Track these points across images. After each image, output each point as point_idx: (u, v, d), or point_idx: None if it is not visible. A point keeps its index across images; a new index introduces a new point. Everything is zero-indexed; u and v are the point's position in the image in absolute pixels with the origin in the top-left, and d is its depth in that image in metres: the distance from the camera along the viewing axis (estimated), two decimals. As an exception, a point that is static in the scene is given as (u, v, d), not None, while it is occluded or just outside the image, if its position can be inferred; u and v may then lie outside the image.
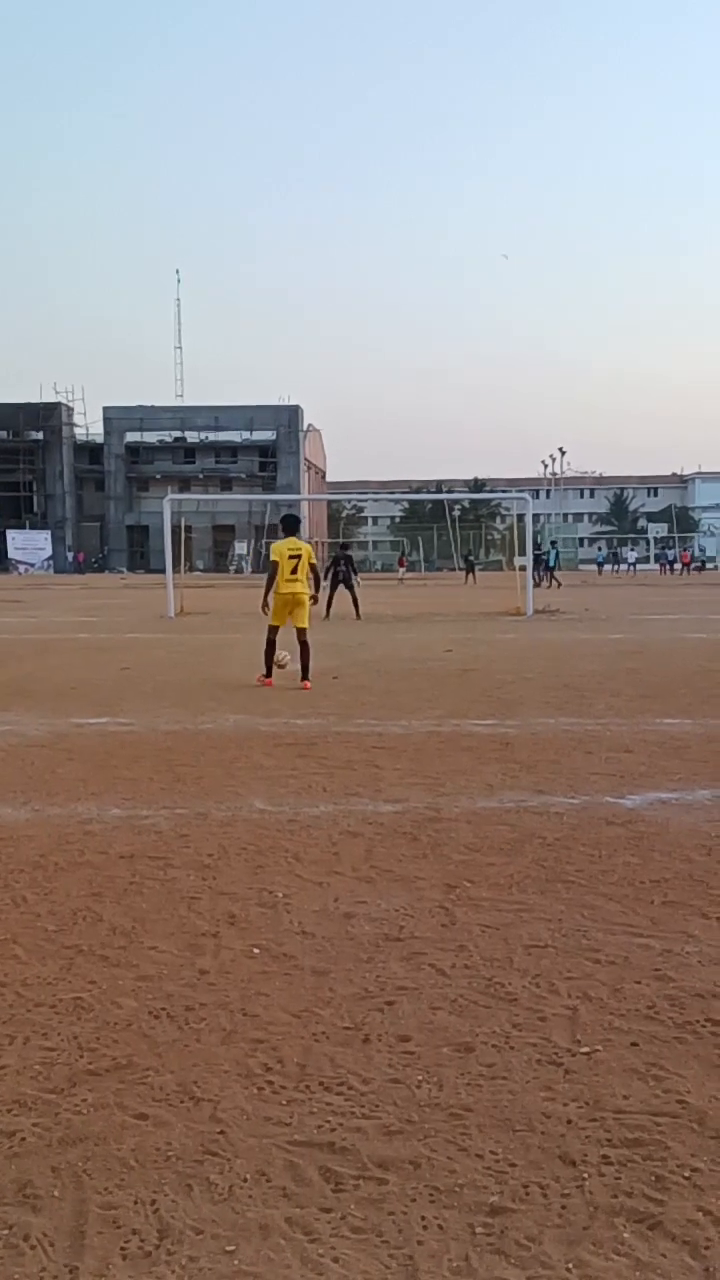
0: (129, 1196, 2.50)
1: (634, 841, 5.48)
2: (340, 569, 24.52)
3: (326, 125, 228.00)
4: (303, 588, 12.08)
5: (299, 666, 12.02)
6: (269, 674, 12.09)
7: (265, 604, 12.29)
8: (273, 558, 12.25)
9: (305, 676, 11.82)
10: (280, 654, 12.73)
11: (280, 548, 12.20)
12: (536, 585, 42.08)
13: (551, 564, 44.23)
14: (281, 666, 12.66)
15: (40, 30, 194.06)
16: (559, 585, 41.27)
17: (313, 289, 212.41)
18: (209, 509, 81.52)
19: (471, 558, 56.93)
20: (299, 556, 12.04)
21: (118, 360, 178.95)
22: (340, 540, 51.01)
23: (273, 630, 12.20)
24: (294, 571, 11.99)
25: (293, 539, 12.39)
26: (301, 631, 12.08)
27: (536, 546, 51.43)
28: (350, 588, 24.08)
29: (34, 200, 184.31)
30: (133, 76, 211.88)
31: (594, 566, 72.88)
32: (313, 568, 12.32)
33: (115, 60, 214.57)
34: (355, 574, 25.72)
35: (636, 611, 26.71)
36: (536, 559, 45.49)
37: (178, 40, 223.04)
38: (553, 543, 55.63)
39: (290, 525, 12.76)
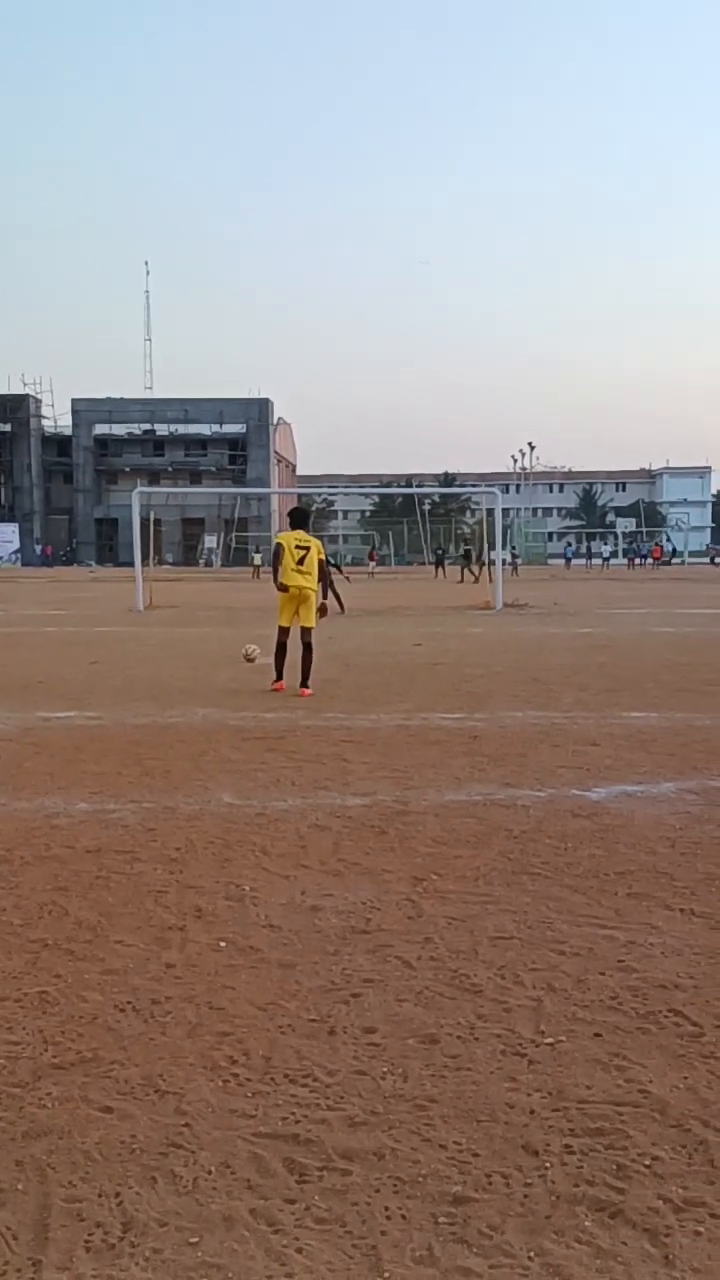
0: (93, 1189, 2.50)
1: (599, 834, 5.51)
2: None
3: (299, 118, 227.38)
4: (312, 582, 11.26)
5: (270, 660, 11.54)
6: (279, 677, 11.27)
7: (280, 585, 11.29)
8: (278, 540, 11.53)
9: (305, 683, 10.87)
10: (249, 647, 12.71)
11: (288, 537, 11.44)
12: (476, 580, 42.38)
13: (479, 559, 44.55)
14: (250, 660, 12.63)
15: (9, 18, 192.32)
16: (476, 579, 41.30)
17: (284, 282, 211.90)
18: (178, 502, 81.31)
19: (441, 552, 57.12)
20: (308, 548, 11.27)
21: (86, 352, 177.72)
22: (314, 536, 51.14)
23: (283, 632, 11.39)
24: (301, 563, 11.18)
25: (302, 532, 11.54)
26: (306, 632, 11.23)
27: (466, 542, 51.65)
28: (329, 583, 23.98)
29: (2, 190, 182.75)
30: (101, 64, 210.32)
31: (561, 561, 73.12)
32: (321, 565, 11.51)
33: (83, 47, 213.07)
34: (340, 569, 25.71)
35: (605, 606, 26.85)
36: (466, 554, 45.89)
37: (150, 29, 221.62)
38: (477, 538, 55.91)
39: (299, 518, 11.95)
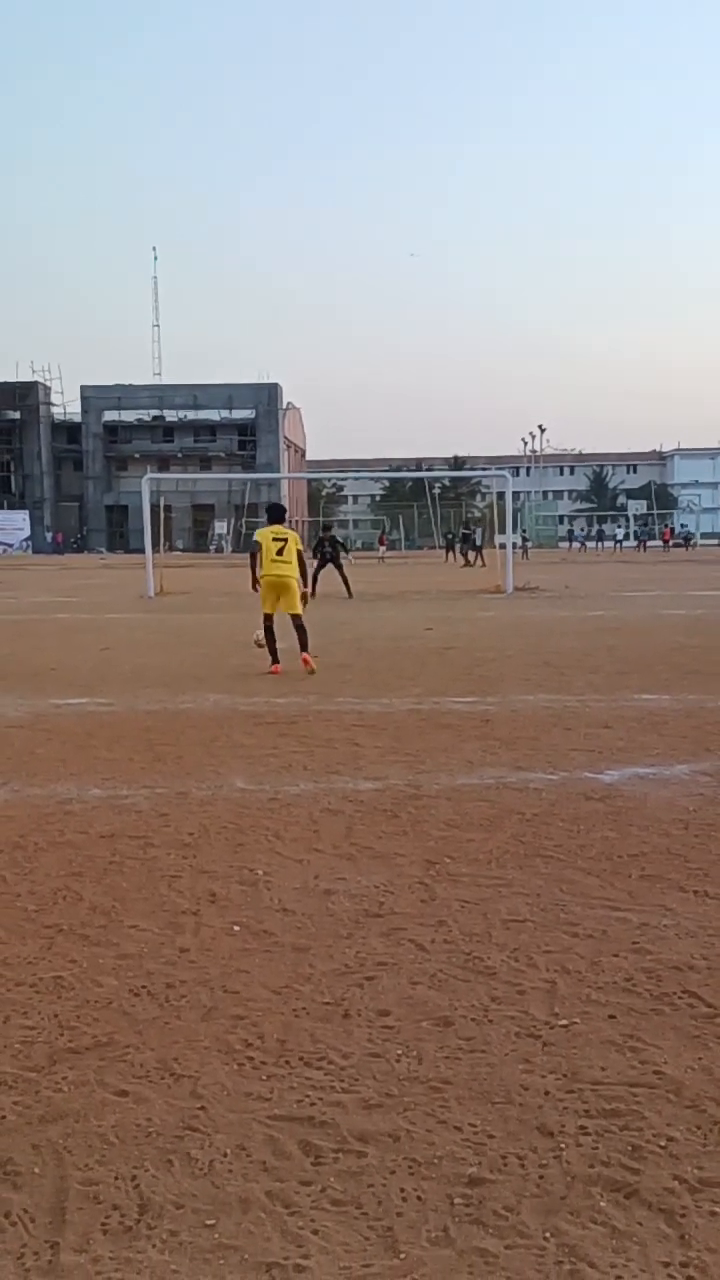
0: (109, 1172, 2.51)
1: (612, 816, 5.51)
2: (325, 549, 24.48)
3: (307, 102, 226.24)
4: (290, 570, 11.66)
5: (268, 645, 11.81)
6: (275, 660, 11.57)
7: (255, 584, 11.97)
8: (256, 538, 12.09)
9: (304, 648, 11.44)
10: (259, 632, 12.72)
11: (265, 532, 11.98)
12: (468, 565, 42.23)
13: (479, 543, 44.39)
14: (261, 645, 12.65)
15: (20, 7, 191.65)
16: (484, 564, 41.16)
17: (291, 266, 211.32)
18: (188, 488, 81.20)
19: (451, 536, 56.99)
20: (285, 540, 11.76)
21: (95, 339, 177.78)
22: (323, 521, 51.10)
23: (268, 619, 11.80)
24: (280, 554, 11.64)
25: (279, 526, 12.13)
26: (295, 618, 11.73)
27: (465, 526, 51.44)
28: (339, 567, 24.04)
29: (9, 178, 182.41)
30: (114, 51, 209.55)
31: (568, 544, 72.99)
32: (300, 555, 11.90)
33: (96, 35, 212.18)
34: (348, 553, 25.72)
35: (616, 589, 26.78)
36: (465, 538, 45.71)
37: (161, 18, 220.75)
38: (478, 522, 55.74)
39: (275, 514, 12.60)
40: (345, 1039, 3.16)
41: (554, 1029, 3.20)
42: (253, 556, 12.00)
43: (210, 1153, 2.58)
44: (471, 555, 43.28)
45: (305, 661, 11.31)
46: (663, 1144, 2.60)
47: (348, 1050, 3.09)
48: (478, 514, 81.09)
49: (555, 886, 4.45)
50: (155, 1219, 2.34)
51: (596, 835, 5.18)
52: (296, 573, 11.75)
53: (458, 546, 47.61)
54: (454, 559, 47.79)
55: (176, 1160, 2.55)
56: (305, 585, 12.42)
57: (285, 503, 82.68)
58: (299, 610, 11.75)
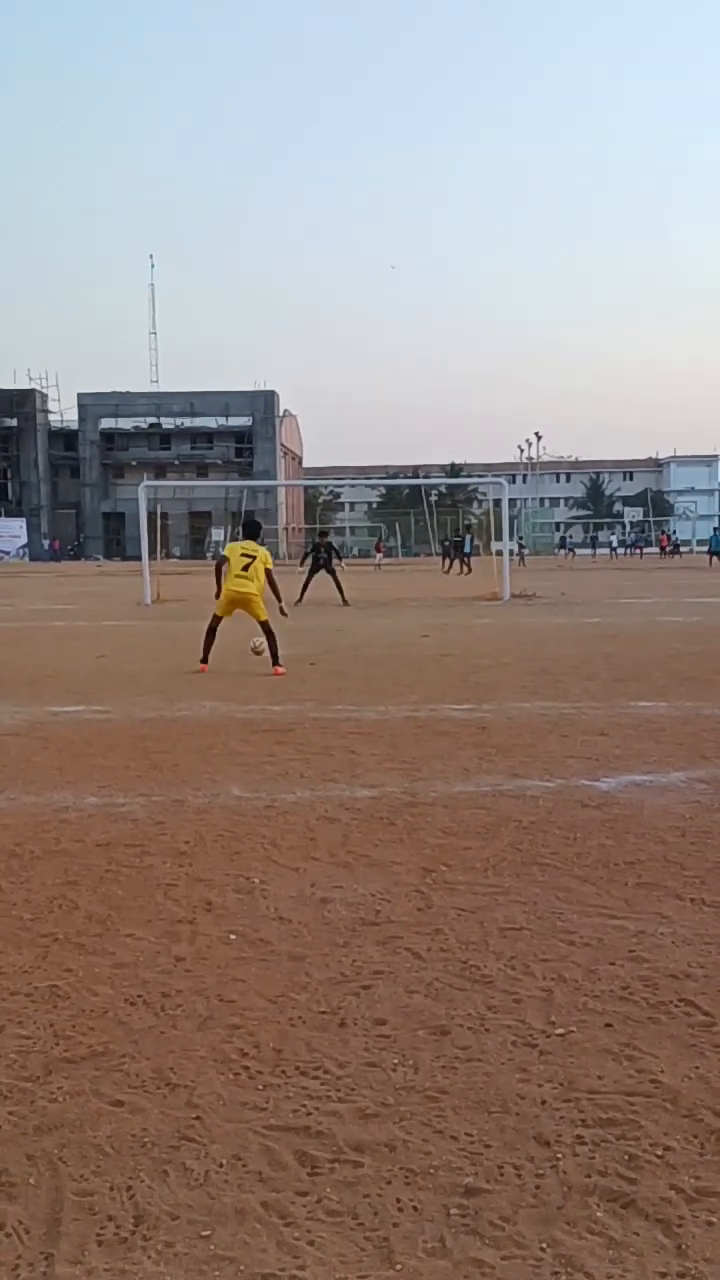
0: (105, 1183, 2.50)
1: (609, 824, 5.51)
2: (320, 555, 24.51)
3: (303, 110, 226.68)
4: (253, 589, 11.92)
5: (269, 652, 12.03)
6: (205, 660, 12.10)
7: (219, 594, 12.32)
8: (224, 552, 12.39)
9: (276, 662, 11.75)
10: (256, 640, 12.81)
11: (234, 547, 12.34)
12: (447, 573, 42.16)
13: (468, 551, 44.30)
14: (258, 653, 12.70)
15: (16, 12, 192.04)
16: (469, 571, 41.13)
17: (288, 274, 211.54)
18: (185, 495, 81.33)
19: (448, 543, 57.00)
20: (253, 557, 12.00)
21: (92, 346, 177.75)
22: (318, 527, 51.13)
23: (215, 620, 12.26)
24: (245, 569, 11.93)
25: (250, 542, 12.41)
26: (263, 624, 11.96)
27: (456, 533, 51.30)
28: (331, 573, 24.05)
29: (7, 184, 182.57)
30: (110, 57, 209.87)
31: (561, 551, 73.04)
32: (269, 574, 12.09)
33: (94, 40, 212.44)
34: (340, 559, 25.75)
35: (612, 596, 26.80)
36: (455, 544, 45.60)
37: (157, 22, 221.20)
38: (468, 529, 55.61)
39: (249, 530, 12.95)
40: (341, 1048, 3.15)
41: (551, 1038, 3.19)
42: (218, 568, 12.40)
43: (206, 1163, 2.58)
44: (460, 563, 43.15)
45: (276, 673, 11.57)
46: (659, 1153, 2.59)
47: (344, 1059, 3.08)
48: (474, 520, 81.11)
49: (552, 894, 4.45)
50: (151, 1230, 2.33)
51: (593, 843, 5.18)
52: (258, 591, 11.98)
53: (449, 555, 47.43)
54: (454, 567, 47.46)
55: (172, 1171, 2.55)
56: (280, 599, 12.65)
57: (282, 510, 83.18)
58: (264, 616, 11.99)
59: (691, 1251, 2.24)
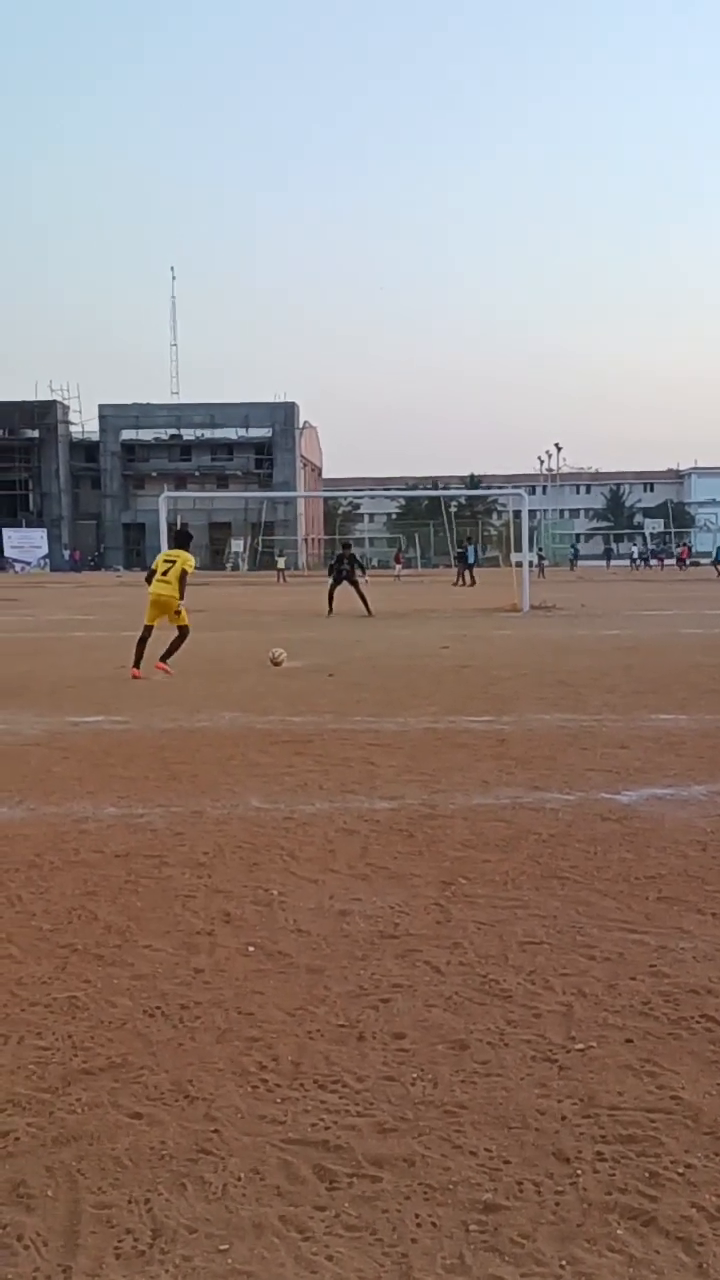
0: (123, 1196, 2.50)
1: (629, 838, 5.48)
2: (344, 567, 24.54)
3: (323, 120, 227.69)
4: (169, 590, 12.97)
5: (280, 659, 13.13)
6: (137, 665, 12.67)
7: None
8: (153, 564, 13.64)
9: (165, 658, 12.84)
10: (276, 650, 13.08)
11: (161, 555, 13.71)
12: (454, 584, 41.89)
13: (471, 561, 44.06)
14: (277, 663, 12.95)
15: (35, 24, 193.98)
16: (473, 583, 40.95)
17: (307, 285, 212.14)
18: (205, 506, 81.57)
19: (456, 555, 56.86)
20: (173, 562, 13.15)
21: (113, 358, 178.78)
22: (340, 539, 51.12)
23: (146, 630, 13.11)
24: (164, 574, 13.09)
25: (177, 550, 13.54)
26: (181, 628, 13.19)
27: (458, 544, 50.96)
28: (355, 584, 24.07)
29: (29, 197, 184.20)
30: (129, 71, 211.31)
31: (570, 562, 72.85)
32: (183, 577, 13.07)
33: (112, 54, 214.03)
34: (364, 571, 25.80)
35: (632, 608, 26.71)
36: (458, 556, 45.21)
37: (174, 35, 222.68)
38: (469, 539, 55.41)
39: (178, 539, 14.08)
40: (360, 1062, 3.14)
41: (570, 1053, 3.17)
42: (150, 573, 13.49)
43: (224, 1176, 2.57)
44: (467, 575, 42.81)
45: (159, 666, 12.69)
46: (680, 1171, 2.57)
47: (362, 1073, 3.07)
48: (493, 532, 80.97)
49: (572, 908, 4.43)
50: (168, 1243, 2.32)
51: (613, 857, 5.16)
52: (176, 592, 13.00)
53: (456, 566, 46.81)
54: (461, 579, 46.50)
55: (190, 1184, 2.54)
56: (180, 599, 13.25)
57: (302, 521, 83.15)
58: (184, 623, 13.24)
59: (713, 1271, 2.22)
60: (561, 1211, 2.42)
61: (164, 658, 12.81)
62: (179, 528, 15.18)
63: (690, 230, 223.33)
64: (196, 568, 14.41)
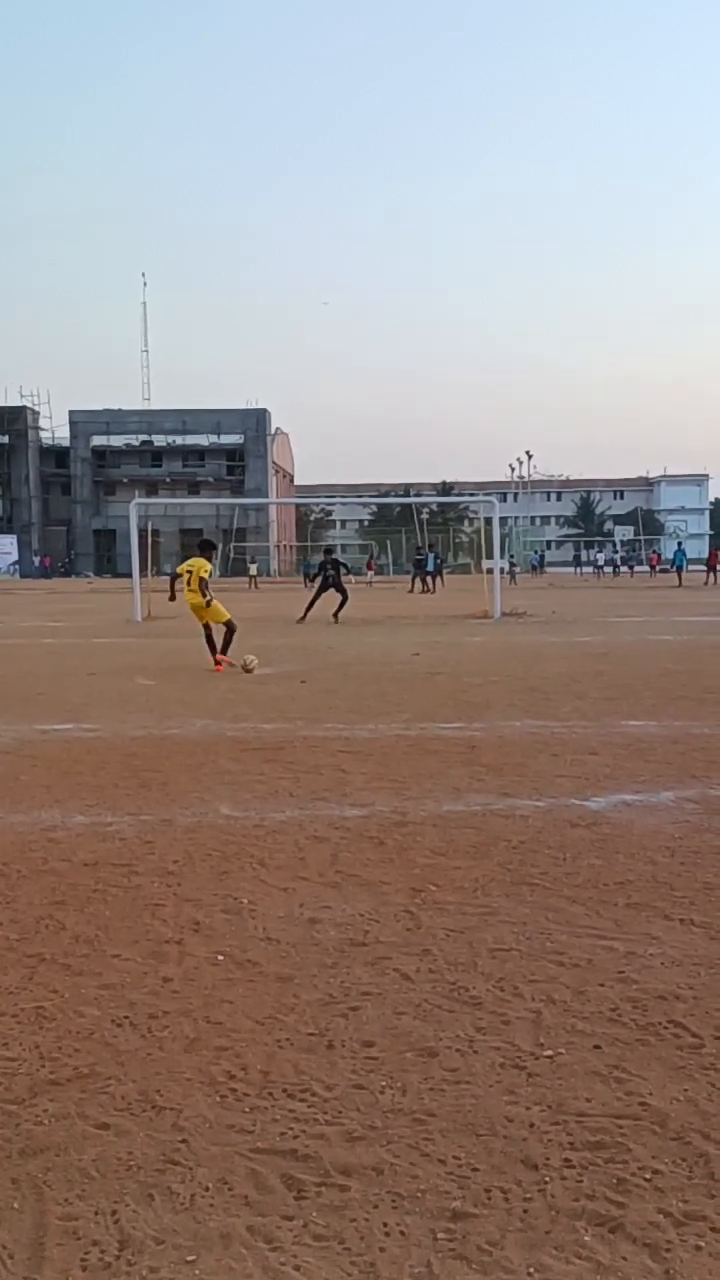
0: (89, 1207, 2.48)
1: (598, 844, 5.50)
2: (327, 572, 24.55)
3: (297, 128, 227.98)
4: (195, 598, 14.18)
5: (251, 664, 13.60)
6: (216, 657, 14.03)
7: (171, 596, 14.95)
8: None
9: (223, 651, 14.10)
10: (248, 657, 13.17)
11: (183, 565, 14.73)
12: (410, 591, 41.85)
13: (430, 569, 44.01)
14: (249, 670, 13.06)
15: (13, 27, 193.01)
16: (431, 591, 40.99)
17: (281, 292, 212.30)
18: (176, 513, 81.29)
19: (441, 561, 56.97)
20: (191, 571, 14.33)
21: (84, 364, 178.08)
22: (325, 544, 51.04)
23: (205, 628, 14.54)
24: (188, 583, 14.35)
25: (193, 558, 14.58)
26: (225, 623, 14.35)
27: (417, 551, 50.94)
28: (340, 589, 24.08)
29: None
30: (101, 76, 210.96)
31: (534, 569, 73.22)
32: (198, 581, 14.14)
33: (83, 60, 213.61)
34: (349, 571, 25.86)
35: (602, 614, 26.84)
36: (417, 564, 45.07)
37: (152, 40, 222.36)
38: (431, 546, 55.44)
39: (203, 548, 15.01)
40: (329, 1070, 3.13)
41: (539, 1060, 3.18)
42: (173, 580, 14.86)
43: (192, 1187, 2.56)
44: (428, 580, 42.67)
45: (219, 659, 13.96)
46: (648, 1177, 2.58)
47: (331, 1082, 3.06)
48: (464, 539, 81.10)
49: (541, 915, 4.44)
50: (135, 1254, 2.31)
51: (583, 863, 5.17)
52: (200, 597, 14.13)
53: (412, 573, 46.49)
54: (417, 586, 45.39)
55: (157, 1194, 2.53)
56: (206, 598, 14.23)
57: (274, 528, 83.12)
58: (220, 619, 14.34)
59: (679, 1276, 2.23)
60: (529, 1219, 2.42)
61: (221, 651, 14.06)
62: (201, 539, 16.17)
63: (661, 239, 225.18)
64: (169, 574, 15.19)
